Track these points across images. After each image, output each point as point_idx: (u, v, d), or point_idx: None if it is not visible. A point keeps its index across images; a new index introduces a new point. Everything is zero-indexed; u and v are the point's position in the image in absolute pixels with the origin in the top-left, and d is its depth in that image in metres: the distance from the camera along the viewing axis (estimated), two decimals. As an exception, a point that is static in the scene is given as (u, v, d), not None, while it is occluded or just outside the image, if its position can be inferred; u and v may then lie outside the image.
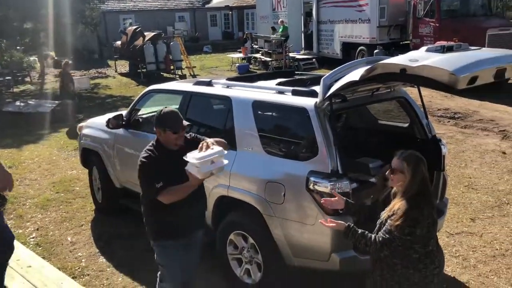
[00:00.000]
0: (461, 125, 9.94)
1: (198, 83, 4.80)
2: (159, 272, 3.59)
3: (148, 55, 18.08)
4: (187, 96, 4.69)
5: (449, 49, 3.32)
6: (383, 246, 2.65)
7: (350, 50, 17.49)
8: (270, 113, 4.13)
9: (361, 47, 16.91)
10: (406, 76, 3.01)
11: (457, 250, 4.88)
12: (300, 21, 21.25)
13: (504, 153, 7.88)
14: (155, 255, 3.51)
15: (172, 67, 18.69)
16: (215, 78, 4.99)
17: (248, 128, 4.03)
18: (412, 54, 3.22)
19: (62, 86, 12.67)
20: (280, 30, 19.49)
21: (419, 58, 3.02)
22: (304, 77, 4.85)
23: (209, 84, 4.64)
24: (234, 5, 33.50)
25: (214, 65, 22.75)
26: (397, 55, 3.39)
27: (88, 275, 4.75)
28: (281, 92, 3.99)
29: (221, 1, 33.80)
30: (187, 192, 3.19)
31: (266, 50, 19.94)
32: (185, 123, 3.29)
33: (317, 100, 3.59)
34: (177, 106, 4.73)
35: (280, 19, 20.44)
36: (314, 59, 19.16)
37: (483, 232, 5.23)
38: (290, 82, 4.35)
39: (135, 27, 20.50)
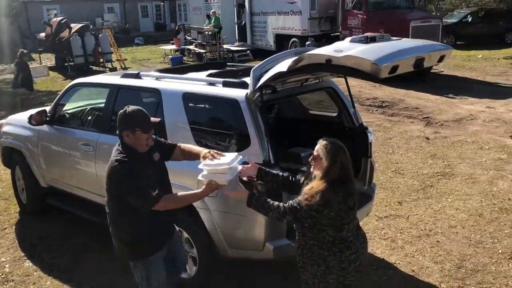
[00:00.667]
0: (388, 113, 10.40)
1: (126, 76, 4.64)
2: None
3: (75, 48, 17.28)
4: (114, 90, 4.52)
5: (372, 40, 3.43)
6: (286, 211, 2.75)
7: (283, 42, 17.72)
8: (201, 105, 4.09)
9: (294, 39, 17.18)
10: (331, 66, 3.08)
11: (386, 233, 5.11)
12: (233, 12, 21.21)
13: (427, 138, 8.34)
14: (136, 275, 3.20)
15: (101, 60, 17.99)
16: (144, 70, 4.85)
17: (178, 121, 3.96)
18: (337, 44, 3.29)
19: (22, 77, 12.20)
20: (212, 21, 19.34)
21: (344, 48, 3.09)
22: (235, 68, 4.83)
23: (137, 76, 4.50)
24: (165, -5, 32.86)
25: (146, 57, 22.19)
26: None
27: (12, 280, 4.48)
28: (212, 84, 3.95)
29: (152, -9, 33.04)
30: (194, 201, 3.11)
31: (199, 41, 19.75)
32: (154, 119, 3.07)
33: (248, 91, 3.59)
34: (104, 100, 4.55)
35: (212, 10, 20.28)
36: (248, 51, 19.23)
37: (409, 214, 5.52)
38: (221, 73, 4.31)
39: (60, 18, 19.47)
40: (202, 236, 3.79)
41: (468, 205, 5.67)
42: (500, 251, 4.65)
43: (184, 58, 20.27)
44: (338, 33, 16.06)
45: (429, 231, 5.11)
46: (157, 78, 4.37)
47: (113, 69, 17.51)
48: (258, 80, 3.47)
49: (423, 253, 4.71)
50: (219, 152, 3.06)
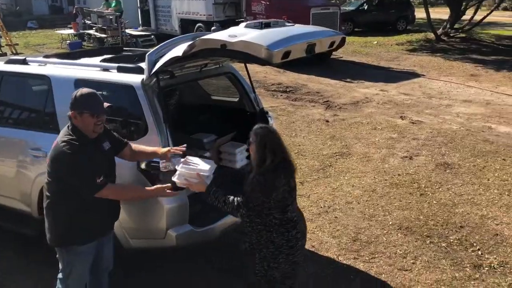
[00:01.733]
0: (292, 98, 10.74)
1: (11, 62, 4.30)
2: (60, 274, 3.18)
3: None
4: (-2, 77, 4.17)
5: (267, 25, 3.50)
6: (240, 205, 2.84)
7: (188, 27, 17.44)
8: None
9: (199, 24, 17.00)
10: (226, 51, 3.10)
11: (289, 213, 5.31)
12: (135, -5, 20.44)
13: (327, 121, 8.76)
14: (61, 261, 3.12)
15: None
16: (31, 55, 4.52)
17: (71, 109, 3.75)
18: (232, 30, 3.31)
19: None
20: (113, 5, 18.46)
21: (238, 34, 3.12)
22: (132, 53, 4.68)
23: (23, 62, 4.18)
24: (61, -24, 30.69)
25: (41, 42, 20.66)
26: None
27: None
28: (106, 70, 3.80)
29: (45, -29, 30.69)
30: (138, 197, 3.10)
31: (100, 26, 18.77)
32: (106, 104, 2.98)
33: (144, 76, 3.50)
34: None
35: (113, -7, 19.33)
36: (152, 36, 18.66)
37: (310, 193, 5.79)
38: (116, 58, 4.15)
39: None
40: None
41: (363, 182, 6.08)
42: (390, 223, 5.06)
43: (84, 43, 19.18)
44: (243, 19, 16.16)
45: (328, 208, 5.41)
46: (46, 64, 4.09)
47: (3, 55, 16.05)
48: (154, 65, 3.40)
49: (322, 229, 4.98)
50: (181, 148, 3.11)
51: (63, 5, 31.69)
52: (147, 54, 3.43)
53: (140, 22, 20.59)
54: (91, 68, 3.87)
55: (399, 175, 6.28)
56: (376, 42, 18.95)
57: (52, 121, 3.76)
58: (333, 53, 15.16)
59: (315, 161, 6.83)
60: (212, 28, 15.39)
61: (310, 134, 8.06)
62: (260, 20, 3.47)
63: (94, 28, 19.41)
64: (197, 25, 17.06)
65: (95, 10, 19.76)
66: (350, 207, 5.43)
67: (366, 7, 22.93)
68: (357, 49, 17.42)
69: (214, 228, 3.68)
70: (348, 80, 12.39)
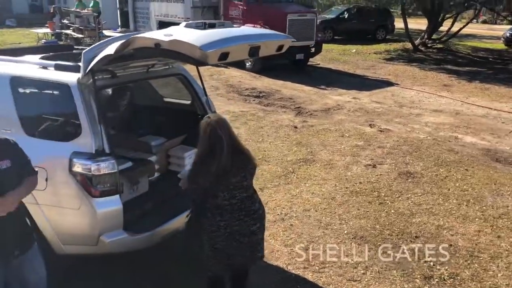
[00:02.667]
0: (264, 103, 10.65)
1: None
2: None
3: None
4: None
5: (211, 26, 3.39)
6: (193, 192, 3.17)
7: (166, 29, 17.29)
8: (32, 90, 3.74)
9: (177, 27, 16.85)
10: (161, 50, 2.98)
11: (244, 219, 5.19)
12: (114, -4, 20.26)
13: (295, 127, 8.68)
14: None
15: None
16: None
17: (5, 107, 3.59)
18: (170, 29, 3.20)
19: None
20: (91, 5, 18.25)
21: (175, 33, 3.02)
22: (78, 51, 4.52)
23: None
24: (41, -25, 30.26)
25: (17, 40, 20.28)
26: None
27: None
28: (44, 67, 3.64)
29: (26, -31, 30.26)
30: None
31: (77, 26, 18.50)
32: None
33: (79, 75, 3.35)
34: None
35: (90, -7, 19.14)
36: (130, 38, 18.46)
37: (269, 200, 5.67)
38: (57, 56, 4.00)
39: None
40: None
41: (323, 189, 5.99)
42: (345, 232, 4.97)
43: (61, 42, 18.85)
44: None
45: (285, 216, 5.30)
46: (-14, 60, 3.92)
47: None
48: (90, 63, 3.26)
49: (275, 237, 4.86)
50: None
51: (43, 5, 31.20)
52: (83, 52, 3.29)
53: (119, 24, 20.38)
54: (29, 65, 3.71)
55: (360, 183, 6.21)
56: (354, 50, 19.03)
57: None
58: (311, 59, 15.18)
59: (278, 167, 6.72)
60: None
61: (277, 139, 7.96)
62: (203, 21, 3.35)
63: (71, 28, 19.11)
64: (175, 28, 16.92)
65: (72, 9, 19.48)
66: (307, 215, 5.33)
67: (346, 16, 23.05)
68: (335, 56, 17.46)
69: (153, 234, 3.53)
70: (322, 87, 12.35)
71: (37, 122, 3.60)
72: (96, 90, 3.38)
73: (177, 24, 14.21)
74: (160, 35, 2.97)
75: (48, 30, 19.38)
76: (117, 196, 3.26)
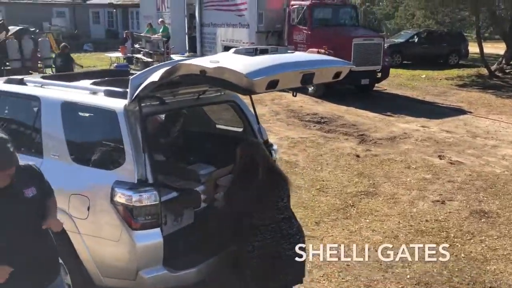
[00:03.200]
0: (325, 130, 10.29)
1: (9, 81, 4.21)
2: None
3: (12, 51, 16.39)
4: (-5, 95, 4.10)
5: (263, 52, 3.19)
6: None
7: (231, 54, 17.52)
8: (81, 116, 3.71)
9: (242, 51, 17.02)
10: (207, 78, 2.81)
11: (296, 256, 4.85)
12: (184, 22, 20.92)
13: (358, 156, 8.24)
14: None
15: (40, 65, 17.16)
16: (31, 76, 4.44)
17: (55, 132, 3.58)
18: (218, 55, 3.04)
19: None
20: (161, 30, 19.00)
21: (222, 60, 2.83)
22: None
23: (20, 82, 4.09)
24: (118, 2, 32.13)
25: (92, 64, 21.43)
26: None
27: None
28: (94, 93, 3.60)
29: (105, -2, 32.35)
30: None
31: (147, 50, 19.31)
32: (17, 156, 2.44)
33: (126, 102, 3.26)
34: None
35: (160, 19, 19.97)
36: (196, 62, 18.91)
37: (325, 236, 5.30)
38: (108, 82, 3.97)
39: (-4, 20, 18.57)
40: (75, 262, 3.39)
41: (385, 226, 5.53)
42: (408, 276, 4.50)
43: (132, 66, 19.71)
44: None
45: (341, 254, 4.89)
46: (42, 85, 3.97)
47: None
48: (136, 89, 3.16)
49: (329, 277, 4.48)
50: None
51: (118, 30, 33.07)
52: (130, 78, 3.19)
53: (187, 48, 21.00)
54: (80, 91, 3.70)
55: (426, 221, 5.67)
56: (424, 75, 18.19)
57: (37, 143, 3.61)
58: (377, 85, 14.65)
59: (337, 199, 6.33)
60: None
61: (336, 169, 7.57)
62: (255, 46, 3.16)
63: (141, 52, 19.97)
64: (239, 52, 17.11)
65: (143, 35, 20.38)
66: (366, 255, 4.89)
67: (416, 40, 22.22)
68: (403, 82, 16.76)
69: (193, 271, 3.31)
70: (389, 113, 11.77)
71: (84, 149, 3.56)
72: (143, 117, 3.26)
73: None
74: (205, 61, 2.80)
75: (120, 54, 20.36)
76: (158, 229, 3.09)
